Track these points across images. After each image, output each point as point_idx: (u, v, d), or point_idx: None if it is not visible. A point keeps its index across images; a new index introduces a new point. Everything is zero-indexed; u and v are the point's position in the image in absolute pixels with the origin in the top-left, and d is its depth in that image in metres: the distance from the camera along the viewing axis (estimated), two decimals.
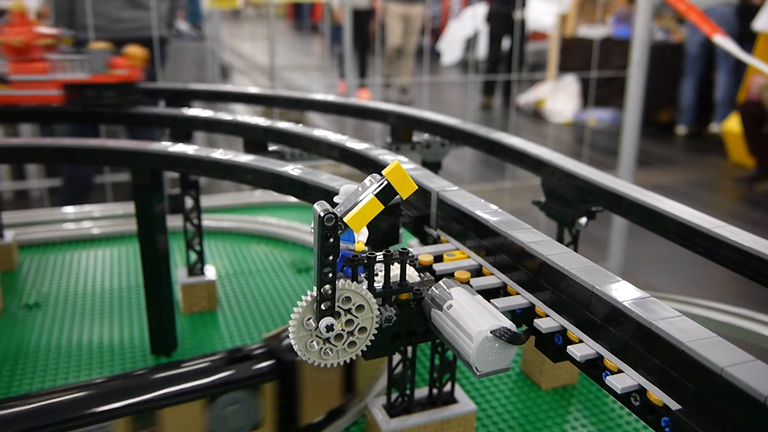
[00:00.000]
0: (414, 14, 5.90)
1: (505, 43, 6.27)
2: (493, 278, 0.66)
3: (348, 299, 0.55)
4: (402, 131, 1.22)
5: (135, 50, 1.26)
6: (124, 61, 1.25)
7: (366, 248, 0.58)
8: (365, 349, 0.59)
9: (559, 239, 0.96)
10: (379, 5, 5.75)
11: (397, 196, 0.54)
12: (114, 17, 2.21)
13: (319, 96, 1.40)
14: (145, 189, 0.97)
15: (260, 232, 1.64)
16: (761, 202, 3.73)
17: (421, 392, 0.79)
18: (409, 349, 0.74)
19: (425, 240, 0.80)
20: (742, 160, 4.27)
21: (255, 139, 1.18)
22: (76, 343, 1.12)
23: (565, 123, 5.68)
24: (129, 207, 1.74)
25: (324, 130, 1.10)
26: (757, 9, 4.25)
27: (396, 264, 0.59)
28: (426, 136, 1.21)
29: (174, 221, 1.15)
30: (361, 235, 0.58)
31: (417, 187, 0.55)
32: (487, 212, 0.69)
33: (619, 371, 0.51)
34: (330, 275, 0.54)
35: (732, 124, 4.24)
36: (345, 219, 0.53)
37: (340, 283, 0.55)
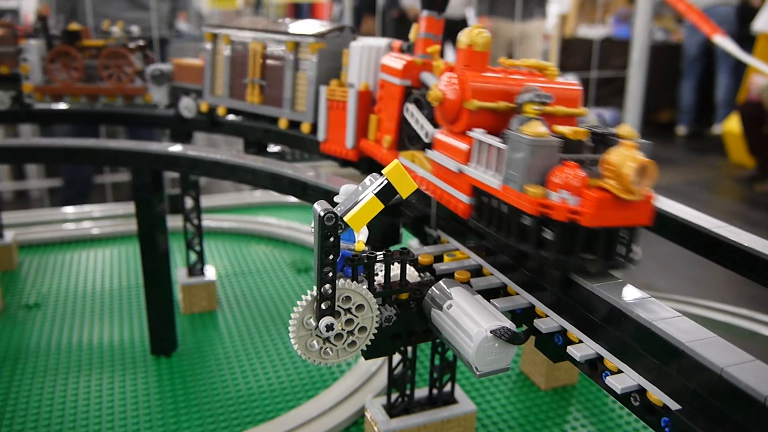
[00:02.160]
0: (531, 32, 4.14)
1: None
2: (493, 278, 0.66)
3: (348, 298, 0.55)
4: None
5: (626, 157, 0.50)
6: (577, 177, 0.52)
7: (366, 248, 0.58)
8: (365, 348, 0.59)
9: None
10: (482, 23, 4.25)
11: (397, 196, 0.54)
12: (116, 18, 2.22)
13: None
14: (145, 189, 0.97)
15: (260, 232, 1.64)
16: (761, 202, 3.73)
17: (421, 392, 0.79)
18: (409, 349, 0.74)
19: (425, 240, 0.80)
20: (742, 160, 4.26)
21: (255, 139, 1.18)
22: (76, 343, 1.12)
23: None
24: (129, 207, 1.74)
25: None
26: (756, 11, 4.25)
27: (396, 264, 0.59)
28: None
29: (174, 221, 1.15)
30: (362, 235, 0.58)
31: (417, 187, 0.55)
32: None
33: (619, 371, 0.51)
34: (330, 274, 0.54)
35: (732, 124, 4.24)
36: (345, 218, 0.53)
37: (340, 282, 0.55)
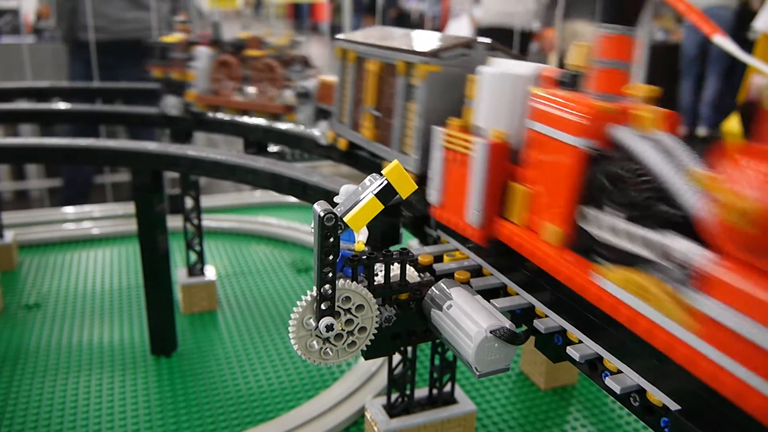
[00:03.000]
0: None
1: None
2: (493, 278, 0.66)
3: (348, 299, 0.55)
4: None
5: None
6: None
7: (366, 248, 0.58)
8: (365, 348, 0.59)
9: None
10: (551, 34, 3.41)
11: (397, 196, 0.54)
12: (117, 18, 2.21)
13: None
14: (145, 189, 0.97)
15: (260, 232, 1.64)
16: None
17: (421, 392, 0.79)
18: (409, 349, 0.74)
19: (425, 240, 0.80)
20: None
21: (255, 139, 1.19)
22: (76, 343, 1.12)
23: None
24: (129, 207, 1.74)
25: None
26: (755, 14, 4.23)
27: (396, 264, 0.59)
28: None
29: (174, 221, 1.15)
30: (361, 235, 0.58)
31: (417, 187, 0.55)
32: None
33: (619, 372, 0.51)
34: (330, 275, 0.54)
35: (732, 124, 4.24)
36: (345, 219, 0.53)
37: (340, 282, 0.55)
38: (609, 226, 0.47)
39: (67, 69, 2.31)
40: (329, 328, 0.55)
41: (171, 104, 1.22)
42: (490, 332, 0.54)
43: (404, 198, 0.54)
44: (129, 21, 2.24)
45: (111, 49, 2.17)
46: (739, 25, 4.41)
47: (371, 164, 0.88)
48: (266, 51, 1.16)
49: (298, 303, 0.55)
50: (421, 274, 0.63)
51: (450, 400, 0.81)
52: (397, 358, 0.74)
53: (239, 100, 1.16)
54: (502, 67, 0.63)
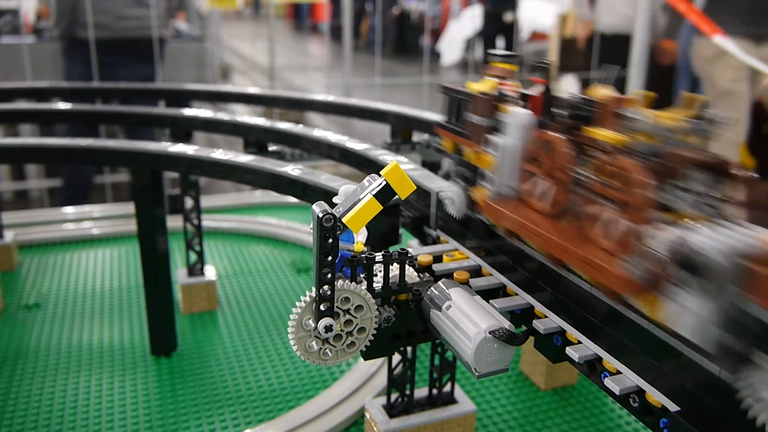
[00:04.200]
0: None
1: (499, 44, 6.26)
2: (492, 279, 0.66)
3: (347, 299, 0.55)
4: (402, 131, 1.22)
5: None
6: None
7: (365, 248, 0.58)
8: (364, 349, 0.59)
9: None
10: (673, 47, 2.93)
11: (396, 197, 0.54)
12: (119, 15, 2.20)
13: (319, 96, 1.40)
14: (145, 189, 0.97)
15: (260, 232, 1.64)
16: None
17: (421, 392, 0.79)
18: (409, 349, 0.74)
19: (425, 240, 0.80)
20: (742, 160, 4.26)
21: (255, 139, 1.19)
22: (76, 343, 1.12)
23: None
24: (129, 207, 1.74)
25: (324, 131, 1.10)
26: None
27: (395, 264, 0.59)
28: (426, 136, 1.21)
29: (174, 221, 1.15)
30: (361, 236, 0.58)
31: (416, 187, 0.55)
32: None
33: (618, 372, 0.51)
34: (329, 276, 0.54)
35: None
36: (344, 219, 0.53)
37: (339, 283, 0.55)
38: None
39: (63, 68, 2.30)
40: (328, 328, 0.55)
41: (452, 198, 0.70)
42: (489, 333, 0.54)
43: (403, 198, 0.54)
44: (131, 18, 2.24)
45: (110, 47, 2.16)
46: None
47: None
48: (630, 134, 0.49)
49: (297, 304, 0.55)
50: (421, 275, 0.63)
51: (450, 400, 0.81)
52: (396, 358, 0.74)
53: (548, 235, 0.54)
54: None
